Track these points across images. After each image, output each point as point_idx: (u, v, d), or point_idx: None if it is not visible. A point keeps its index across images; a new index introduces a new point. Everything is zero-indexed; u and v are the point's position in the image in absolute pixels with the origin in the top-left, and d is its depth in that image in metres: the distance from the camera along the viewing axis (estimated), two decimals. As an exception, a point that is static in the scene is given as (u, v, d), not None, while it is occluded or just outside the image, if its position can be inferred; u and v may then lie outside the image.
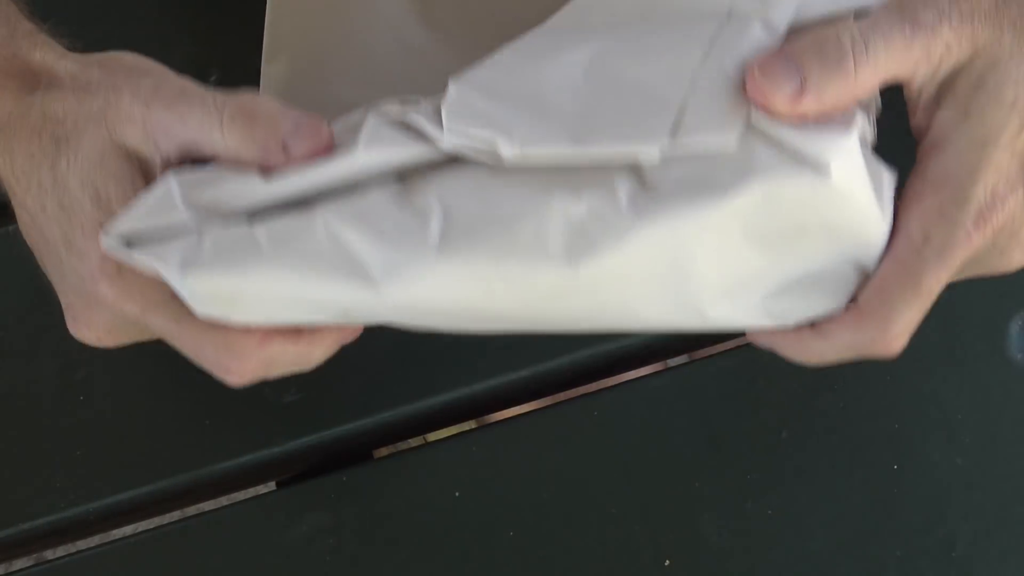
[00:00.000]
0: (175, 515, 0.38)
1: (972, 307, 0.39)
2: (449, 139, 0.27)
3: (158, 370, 0.38)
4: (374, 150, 0.27)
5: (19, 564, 0.38)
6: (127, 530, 0.38)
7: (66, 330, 0.29)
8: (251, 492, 0.37)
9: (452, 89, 0.28)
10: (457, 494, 0.36)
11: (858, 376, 0.38)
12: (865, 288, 0.28)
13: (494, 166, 0.27)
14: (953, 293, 0.39)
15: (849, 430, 0.38)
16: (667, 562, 0.37)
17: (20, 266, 0.40)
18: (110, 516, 0.38)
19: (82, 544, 0.38)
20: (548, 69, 0.28)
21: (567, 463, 0.35)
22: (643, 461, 0.38)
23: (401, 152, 0.27)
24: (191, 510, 0.38)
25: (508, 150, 0.27)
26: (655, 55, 0.28)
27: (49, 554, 0.38)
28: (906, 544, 0.37)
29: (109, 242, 0.27)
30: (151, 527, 0.38)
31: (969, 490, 0.37)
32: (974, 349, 0.38)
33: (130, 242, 0.27)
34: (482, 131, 0.27)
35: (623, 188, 0.26)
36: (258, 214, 0.27)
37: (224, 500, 0.38)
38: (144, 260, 0.27)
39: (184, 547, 0.37)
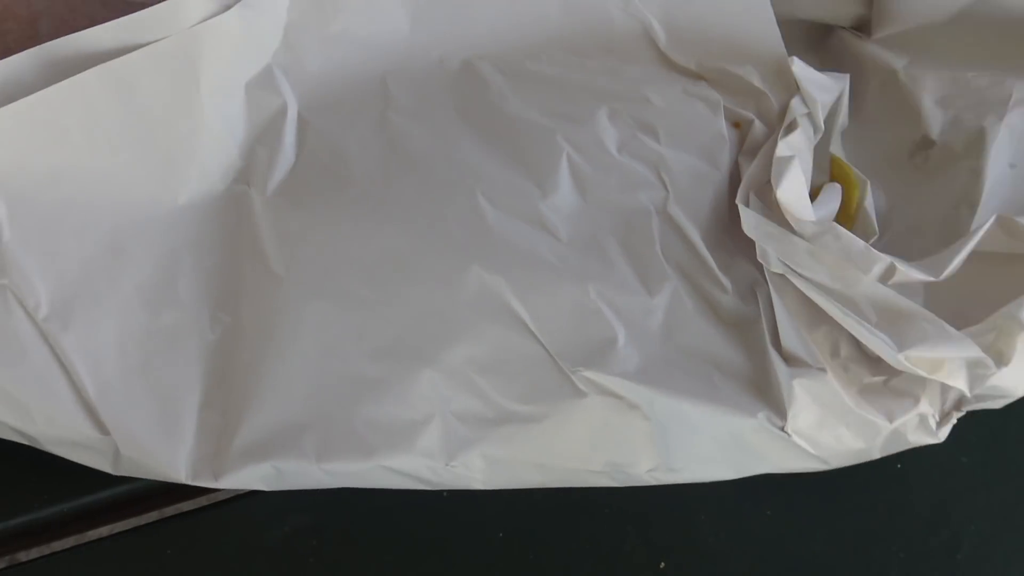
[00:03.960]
0: (152, 515, 0.37)
1: (978, 301, 0.38)
2: None
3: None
4: None
5: (-9, 566, 0.37)
6: (103, 531, 0.37)
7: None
8: (231, 492, 0.36)
9: None
10: (445, 494, 0.35)
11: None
12: None
13: None
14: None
15: (850, 428, 0.37)
16: (662, 564, 0.36)
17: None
18: (86, 516, 0.37)
19: (57, 545, 0.37)
20: None
21: (559, 462, 0.34)
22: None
23: None
24: (169, 510, 0.37)
25: None
26: None
27: (23, 556, 0.37)
28: (909, 546, 0.36)
29: None
30: (128, 528, 0.37)
31: (974, 490, 0.37)
32: (980, 344, 0.38)
33: None
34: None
35: None
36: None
37: (204, 500, 0.37)
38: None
39: (163, 548, 0.36)
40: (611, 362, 0.31)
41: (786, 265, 0.30)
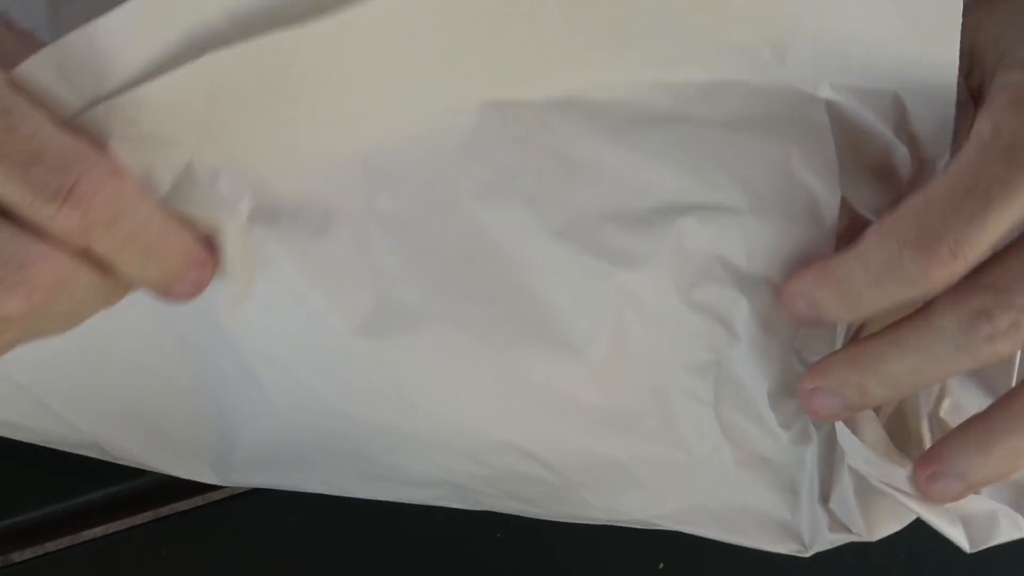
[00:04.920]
0: (147, 516, 0.37)
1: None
2: None
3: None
4: None
5: (-15, 567, 0.37)
6: (98, 531, 0.37)
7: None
8: (228, 492, 0.36)
9: None
10: (444, 494, 0.35)
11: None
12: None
13: None
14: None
15: (851, 427, 0.37)
16: (661, 564, 0.36)
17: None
18: (80, 517, 0.37)
19: (51, 546, 0.37)
20: None
21: (559, 461, 0.34)
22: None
23: None
24: (164, 510, 0.37)
25: None
26: None
27: (16, 556, 0.37)
28: (911, 546, 0.36)
29: None
30: (123, 528, 0.36)
31: (977, 489, 0.36)
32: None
33: None
34: None
35: None
36: None
37: (199, 500, 0.37)
38: None
39: (157, 549, 0.36)
40: (638, 516, 0.32)
41: (885, 484, 0.29)
